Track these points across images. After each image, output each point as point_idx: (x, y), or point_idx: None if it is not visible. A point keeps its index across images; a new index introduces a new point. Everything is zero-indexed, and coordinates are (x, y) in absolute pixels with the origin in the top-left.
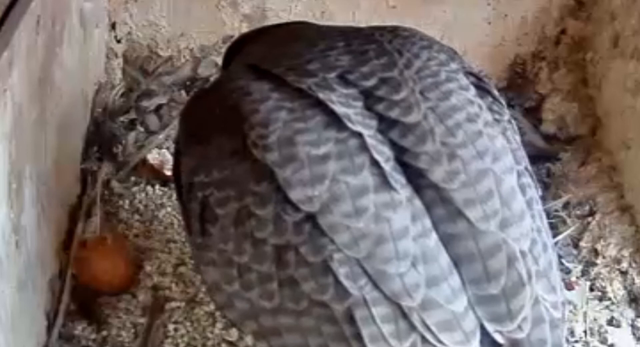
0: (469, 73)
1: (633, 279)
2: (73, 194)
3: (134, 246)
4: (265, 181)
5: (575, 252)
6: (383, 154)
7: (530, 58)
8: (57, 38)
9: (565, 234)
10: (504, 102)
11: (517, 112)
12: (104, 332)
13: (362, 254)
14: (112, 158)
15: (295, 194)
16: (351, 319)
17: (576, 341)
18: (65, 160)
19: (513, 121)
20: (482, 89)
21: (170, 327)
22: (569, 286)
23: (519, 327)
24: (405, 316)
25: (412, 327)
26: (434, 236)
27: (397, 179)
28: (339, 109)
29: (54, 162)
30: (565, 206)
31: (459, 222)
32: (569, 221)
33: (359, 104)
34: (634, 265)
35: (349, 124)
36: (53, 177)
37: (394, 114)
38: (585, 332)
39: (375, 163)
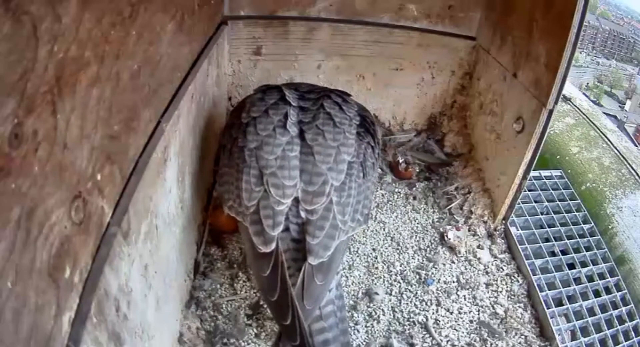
0: (362, 118)
1: (490, 225)
2: (209, 182)
3: None
4: (241, 131)
5: (460, 211)
6: (294, 116)
7: (438, 115)
8: (202, 104)
9: (456, 202)
10: (379, 140)
11: (432, 142)
12: (225, 252)
13: (254, 145)
14: None
15: (250, 137)
16: (242, 173)
17: (462, 256)
18: (205, 165)
19: (377, 144)
20: (366, 128)
21: None
22: (457, 229)
23: (312, 212)
24: (262, 176)
25: (262, 182)
26: (294, 154)
27: (293, 129)
28: (287, 94)
29: (200, 166)
30: (456, 188)
31: (310, 157)
32: (457, 196)
33: (297, 96)
34: (490, 219)
35: (289, 100)
36: (199, 174)
37: (306, 105)
38: (466, 251)
39: (286, 118)
